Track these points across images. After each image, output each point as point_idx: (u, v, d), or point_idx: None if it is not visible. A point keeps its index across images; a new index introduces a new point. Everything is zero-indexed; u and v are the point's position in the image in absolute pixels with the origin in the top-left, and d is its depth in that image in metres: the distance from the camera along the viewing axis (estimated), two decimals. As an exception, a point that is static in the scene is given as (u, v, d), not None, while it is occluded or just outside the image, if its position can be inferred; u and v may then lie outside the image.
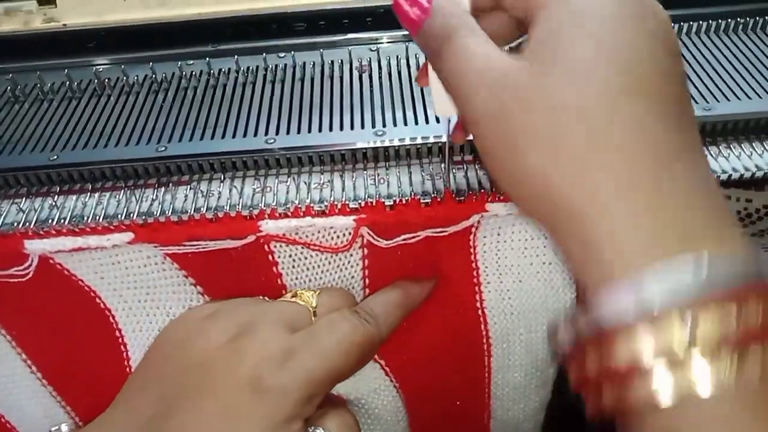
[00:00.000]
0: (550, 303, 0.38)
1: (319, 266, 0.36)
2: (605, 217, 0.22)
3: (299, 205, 0.34)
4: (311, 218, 0.34)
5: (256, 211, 0.34)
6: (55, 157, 0.37)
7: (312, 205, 0.34)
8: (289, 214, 0.34)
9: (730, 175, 0.34)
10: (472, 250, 0.37)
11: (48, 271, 0.36)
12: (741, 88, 0.38)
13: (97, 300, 0.37)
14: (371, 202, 0.34)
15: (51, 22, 0.46)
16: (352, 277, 0.37)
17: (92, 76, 0.43)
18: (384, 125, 0.37)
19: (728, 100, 0.37)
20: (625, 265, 0.22)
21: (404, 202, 0.34)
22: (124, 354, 0.38)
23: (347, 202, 0.34)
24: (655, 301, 0.21)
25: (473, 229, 0.36)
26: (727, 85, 0.38)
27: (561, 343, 0.25)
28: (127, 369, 0.38)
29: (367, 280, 0.37)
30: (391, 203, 0.34)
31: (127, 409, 0.32)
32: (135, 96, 0.42)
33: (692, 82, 0.39)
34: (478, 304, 0.38)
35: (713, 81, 0.39)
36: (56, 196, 0.36)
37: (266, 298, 0.36)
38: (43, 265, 0.35)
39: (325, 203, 0.34)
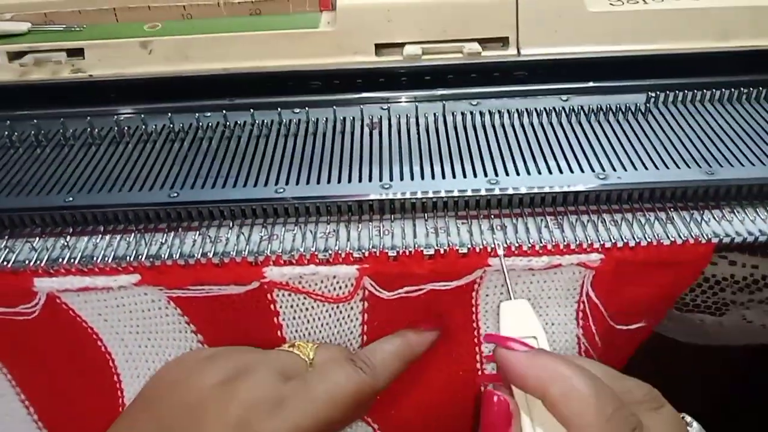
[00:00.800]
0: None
1: (319, 318, 0.36)
2: None
3: (304, 253, 0.35)
4: (315, 266, 0.35)
5: (261, 258, 0.35)
6: (71, 198, 0.38)
7: (317, 253, 0.35)
8: (294, 261, 0.35)
9: (733, 239, 0.35)
10: (474, 309, 0.37)
11: (54, 310, 0.36)
12: (744, 154, 0.39)
13: (99, 343, 0.37)
14: (375, 252, 0.35)
15: (78, 72, 0.48)
16: (350, 331, 0.37)
17: (113, 124, 0.45)
18: (391, 179, 0.38)
19: (731, 165, 0.38)
20: None
21: (408, 253, 0.35)
22: (120, 399, 0.38)
23: (351, 252, 0.35)
24: None
25: (476, 286, 0.36)
26: (731, 151, 0.39)
27: None
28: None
29: (365, 337, 0.37)
30: (395, 254, 0.35)
31: None
32: (152, 144, 0.43)
33: (695, 147, 0.39)
34: (479, 365, 0.38)
35: (716, 146, 0.40)
36: (69, 237, 0.37)
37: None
38: (50, 303, 0.36)
39: (330, 252, 0.35)
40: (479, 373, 0.37)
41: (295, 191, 0.38)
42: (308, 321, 0.36)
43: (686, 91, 0.44)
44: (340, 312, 0.36)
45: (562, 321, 0.36)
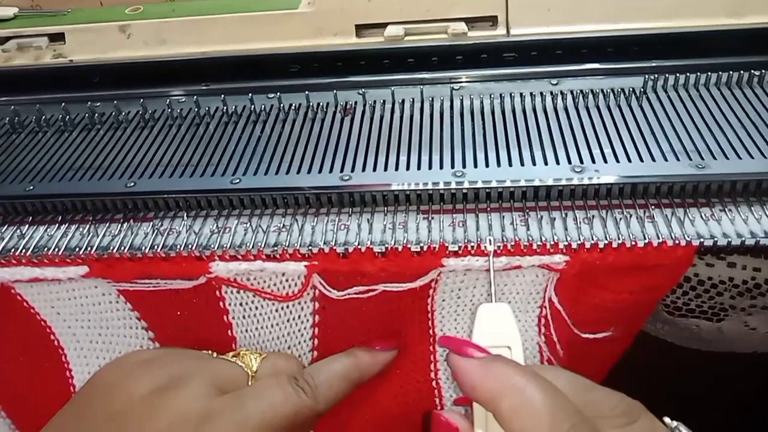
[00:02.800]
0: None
1: (268, 318, 0.35)
2: None
3: (251, 249, 0.33)
4: (262, 262, 0.33)
5: (207, 253, 0.33)
6: (32, 187, 0.38)
7: (265, 249, 0.33)
8: (240, 256, 0.33)
9: (716, 241, 0.31)
10: (429, 314, 0.34)
11: (8, 301, 0.36)
12: (743, 145, 0.35)
13: (52, 336, 0.37)
14: (324, 249, 0.33)
15: (59, 57, 0.47)
16: (301, 333, 0.35)
17: (87, 111, 0.44)
18: (352, 170, 0.36)
19: (726, 158, 0.34)
20: None
21: (359, 250, 0.33)
22: (72, 394, 0.38)
23: (299, 248, 0.33)
24: None
25: (430, 291, 0.33)
26: (729, 141, 0.35)
27: None
28: None
29: (316, 341, 0.35)
30: (343, 251, 0.33)
31: None
32: (122, 131, 0.42)
33: (689, 137, 0.36)
34: (432, 375, 0.36)
35: (713, 135, 0.36)
36: (26, 227, 0.37)
37: (213, 353, 0.35)
38: (4, 294, 0.36)
39: (280, 247, 0.33)
40: (433, 383, 0.35)
41: (251, 182, 0.36)
42: (257, 320, 0.35)
43: (689, 74, 0.40)
44: (291, 312, 0.35)
45: (521, 328, 0.34)
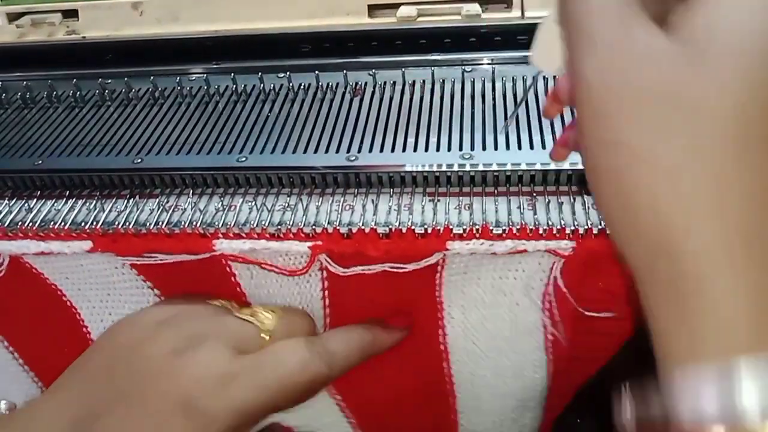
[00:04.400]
0: (518, 346, 0.35)
1: (278, 282, 0.35)
2: (717, 283, 0.19)
3: (256, 227, 0.33)
4: (266, 241, 0.33)
5: (212, 230, 0.33)
6: (40, 162, 0.38)
7: (269, 228, 0.33)
8: (244, 235, 0.33)
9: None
10: (437, 288, 0.34)
11: (19, 270, 0.36)
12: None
13: (64, 298, 0.38)
14: (328, 230, 0.33)
15: (72, 34, 0.47)
16: (312, 296, 0.35)
17: (98, 87, 0.44)
18: (359, 150, 0.36)
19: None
20: (722, 348, 0.18)
21: (363, 232, 0.32)
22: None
23: (302, 228, 0.33)
24: (748, 409, 0.17)
25: (439, 268, 0.33)
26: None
27: (623, 419, 0.22)
28: None
29: (327, 301, 0.35)
30: (347, 232, 0.32)
31: (59, 399, 0.31)
32: (132, 108, 0.42)
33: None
34: (441, 339, 0.36)
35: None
36: (33, 201, 0.37)
37: (229, 303, 0.35)
38: (14, 264, 0.36)
39: (285, 226, 0.33)
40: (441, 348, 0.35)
41: (257, 160, 0.36)
42: (268, 284, 0.35)
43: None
44: (299, 281, 0.35)
45: (526, 304, 0.33)
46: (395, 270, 0.33)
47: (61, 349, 0.40)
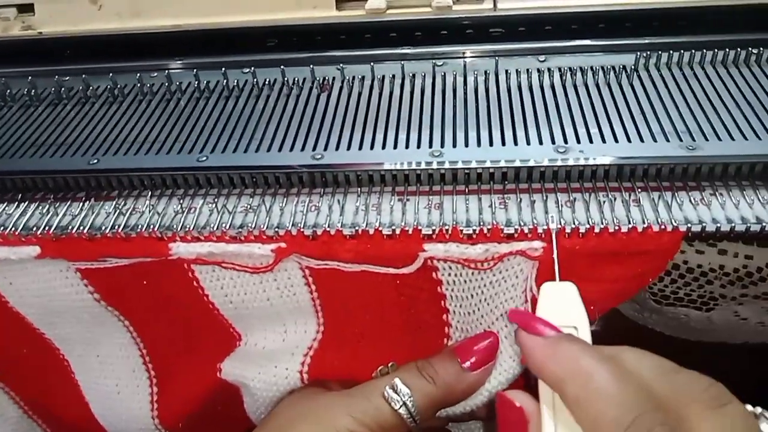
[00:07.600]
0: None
1: (248, 284, 0.33)
2: None
3: (216, 230, 0.32)
4: (225, 244, 0.31)
5: (169, 233, 0.32)
6: (-9, 164, 0.36)
7: (230, 230, 0.32)
8: (202, 238, 0.31)
9: (704, 227, 0.29)
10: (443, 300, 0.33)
11: None
12: (737, 125, 0.33)
13: (8, 305, 0.36)
14: (291, 232, 0.31)
15: (29, 29, 0.45)
16: (294, 294, 0.34)
17: (54, 85, 0.42)
18: (325, 148, 0.34)
19: (719, 139, 0.32)
20: None
21: (329, 233, 0.31)
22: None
23: (265, 230, 0.31)
24: None
25: (434, 274, 0.32)
26: (722, 122, 0.33)
27: None
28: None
29: (315, 294, 0.34)
30: (311, 233, 0.31)
31: None
32: (90, 106, 0.41)
33: (681, 117, 0.34)
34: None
35: (706, 115, 0.34)
36: (-14, 204, 0.35)
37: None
38: None
39: (246, 229, 0.32)
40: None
41: (218, 160, 0.34)
42: (236, 285, 0.34)
43: (683, 52, 0.38)
44: (274, 279, 0.33)
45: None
46: (371, 271, 0.31)
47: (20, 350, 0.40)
